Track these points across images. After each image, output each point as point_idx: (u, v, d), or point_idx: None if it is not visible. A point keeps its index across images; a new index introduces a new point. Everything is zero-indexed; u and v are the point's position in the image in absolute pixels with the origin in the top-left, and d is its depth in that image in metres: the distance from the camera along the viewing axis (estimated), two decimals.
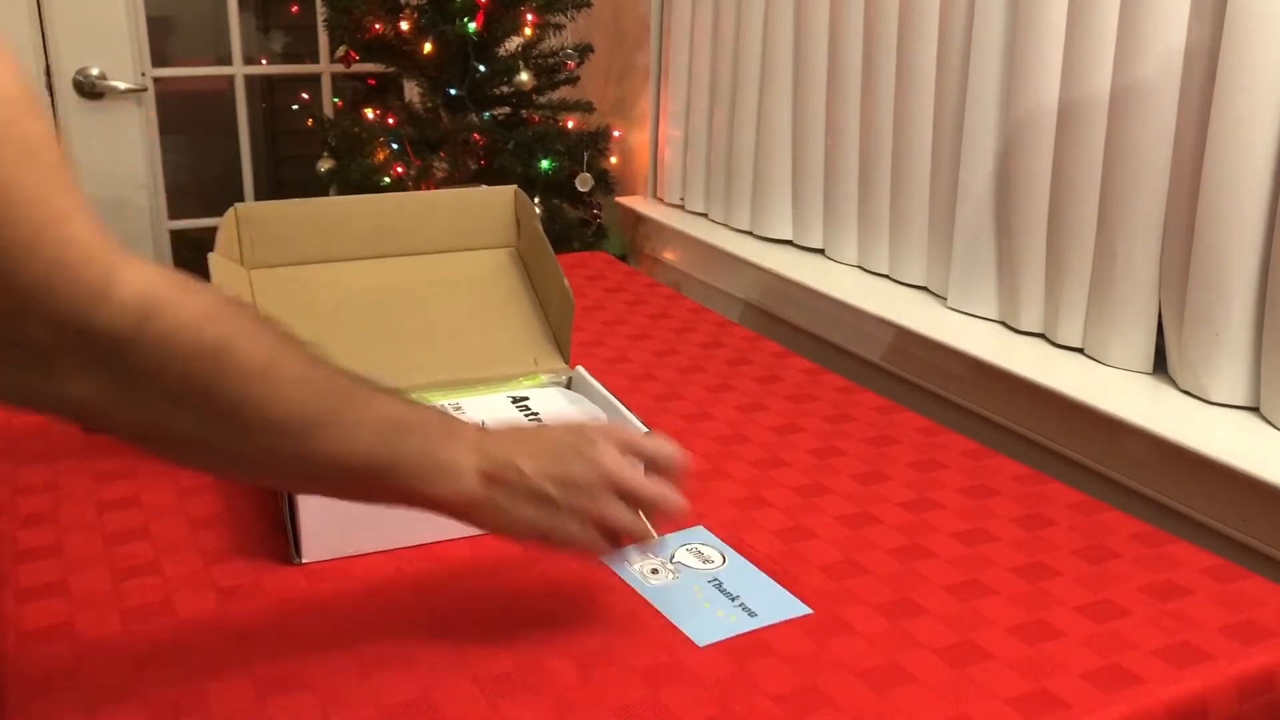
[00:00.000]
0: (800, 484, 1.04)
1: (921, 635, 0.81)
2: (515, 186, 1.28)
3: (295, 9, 2.87)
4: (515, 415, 1.05)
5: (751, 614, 0.83)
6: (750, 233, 2.16)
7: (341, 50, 2.40)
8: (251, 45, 2.79)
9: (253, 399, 0.64)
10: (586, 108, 2.43)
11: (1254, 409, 1.30)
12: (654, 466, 0.79)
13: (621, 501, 0.76)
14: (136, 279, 0.59)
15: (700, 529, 0.96)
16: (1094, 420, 1.35)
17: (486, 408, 1.08)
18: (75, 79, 2.37)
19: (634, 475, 0.77)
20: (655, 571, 0.89)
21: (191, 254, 2.70)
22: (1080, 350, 1.51)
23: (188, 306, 0.61)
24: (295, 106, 2.88)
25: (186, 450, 0.66)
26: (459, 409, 1.05)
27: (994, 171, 1.60)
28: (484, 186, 1.30)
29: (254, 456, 0.67)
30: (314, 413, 0.67)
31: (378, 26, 2.28)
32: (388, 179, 2.23)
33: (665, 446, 0.80)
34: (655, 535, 0.79)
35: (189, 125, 2.79)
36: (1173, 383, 1.38)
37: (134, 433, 0.64)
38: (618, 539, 0.77)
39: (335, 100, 2.75)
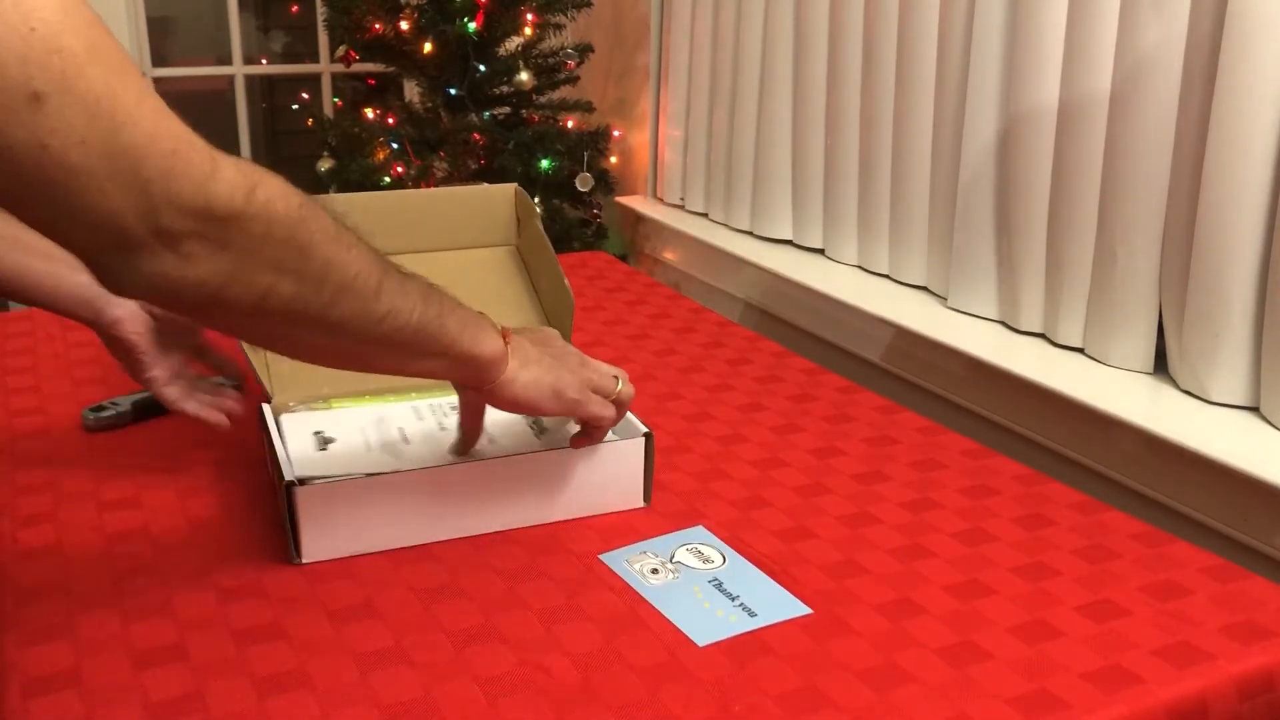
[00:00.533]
0: (800, 484, 1.04)
1: (921, 635, 0.81)
2: (516, 185, 1.28)
3: (295, 9, 2.87)
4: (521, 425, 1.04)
5: (751, 614, 0.83)
6: (750, 233, 2.16)
7: (341, 50, 2.41)
8: (251, 45, 2.80)
9: (335, 260, 0.71)
10: (586, 108, 2.43)
11: (1254, 409, 1.30)
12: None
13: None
14: (231, 159, 0.65)
15: (700, 529, 0.96)
16: (1094, 420, 1.35)
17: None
18: None
19: (607, 378, 0.93)
20: (655, 571, 0.89)
21: None
22: (1080, 350, 1.51)
23: (272, 177, 0.67)
24: (295, 106, 2.89)
25: (290, 321, 0.71)
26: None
27: (994, 171, 1.60)
28: (485, 184, 1.29)
29: (343, 317, 0.73)
30: (376, 271, 0.74)
31: (378, 26, 2.28)
32: (388, 179, 2.23)
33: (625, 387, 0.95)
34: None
35: (189, 125, 2.79)
36: (1173, 383, 1.38)
37: (246, 310, 0.68)
38: (606, 393, 0.92)
39: (335, 100, 2.75)
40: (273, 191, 0.66)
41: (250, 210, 0.65)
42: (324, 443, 0.98)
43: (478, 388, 0.86)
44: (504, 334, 0.86)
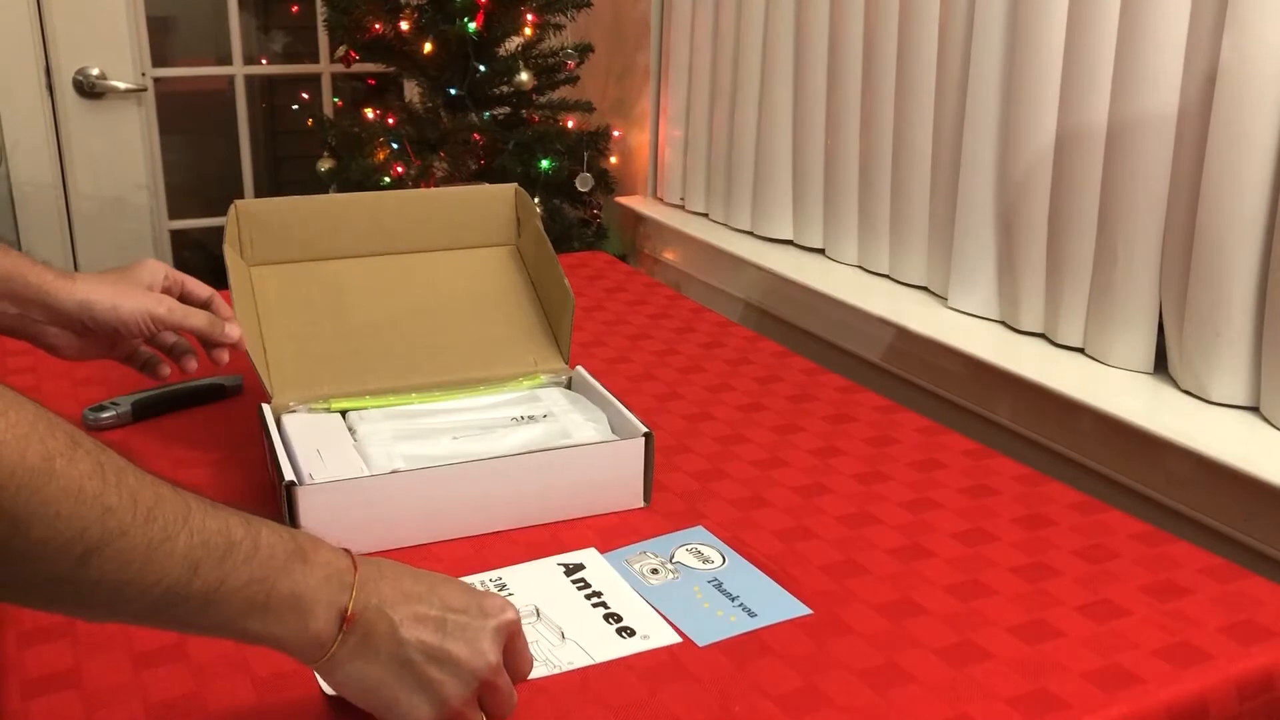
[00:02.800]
0: (800, 484, 1.04)
1: (921, 635, 0.81)
2: (516, 185, 1.28)
3: (295, 9, 2.87)
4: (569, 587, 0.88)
5: (751, 614, 0.83)
6: (750, 233, 2.16)
7: (341, 50, 2.40)
8: (251, 45, 2.79)
9: (6, 513, 0.53)
10: (586, 108, 2.43)
11: (1254, 409, 1.30)
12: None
13: (477, 699, 0.68)
14: None
15: (700, 529, 0.96)
16: (1094, 420, 1.35)
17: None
18: (75, 79, 2.37)
19: (505, 676, 0.69)
20: (655, 571, 0.89)
21: (191, 254, 2.70)
22: (1080, 350, 1.51)
23: (15, 428, 0.53)
24: (295, 106, 2.88)
25: None
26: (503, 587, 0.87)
27: (994, 171, 1.60)
28: (485, 185, 1.29)
29: (14, 578, 0.56)
30: (88, 536, 0.55)
31: (378, 26, 2.28)
32: (388, 179, 2.23)
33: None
34: None
35: (189, 125, 2.80)
36: (1173, 383, 1.38)
37: None
38: None
39: (335, 100, 2.75)
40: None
41: None
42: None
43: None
44: (347, 617, 0.64)
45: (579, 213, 2.46)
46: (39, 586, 0.56)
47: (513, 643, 0.69)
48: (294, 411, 1.05)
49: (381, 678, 0.65)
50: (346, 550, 0.67)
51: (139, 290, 0.99)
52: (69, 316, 0.96)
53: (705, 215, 2.31)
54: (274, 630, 0.62)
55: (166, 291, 1.01)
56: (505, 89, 2.35)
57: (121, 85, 2.41)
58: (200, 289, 1.05)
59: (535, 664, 0.74)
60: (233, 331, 1.02)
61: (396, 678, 0.66)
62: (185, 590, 0.59)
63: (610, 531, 0.95)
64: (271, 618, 0.62)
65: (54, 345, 0.99)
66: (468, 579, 0.87)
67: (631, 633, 0.81)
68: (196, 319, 1.00)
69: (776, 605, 0.84)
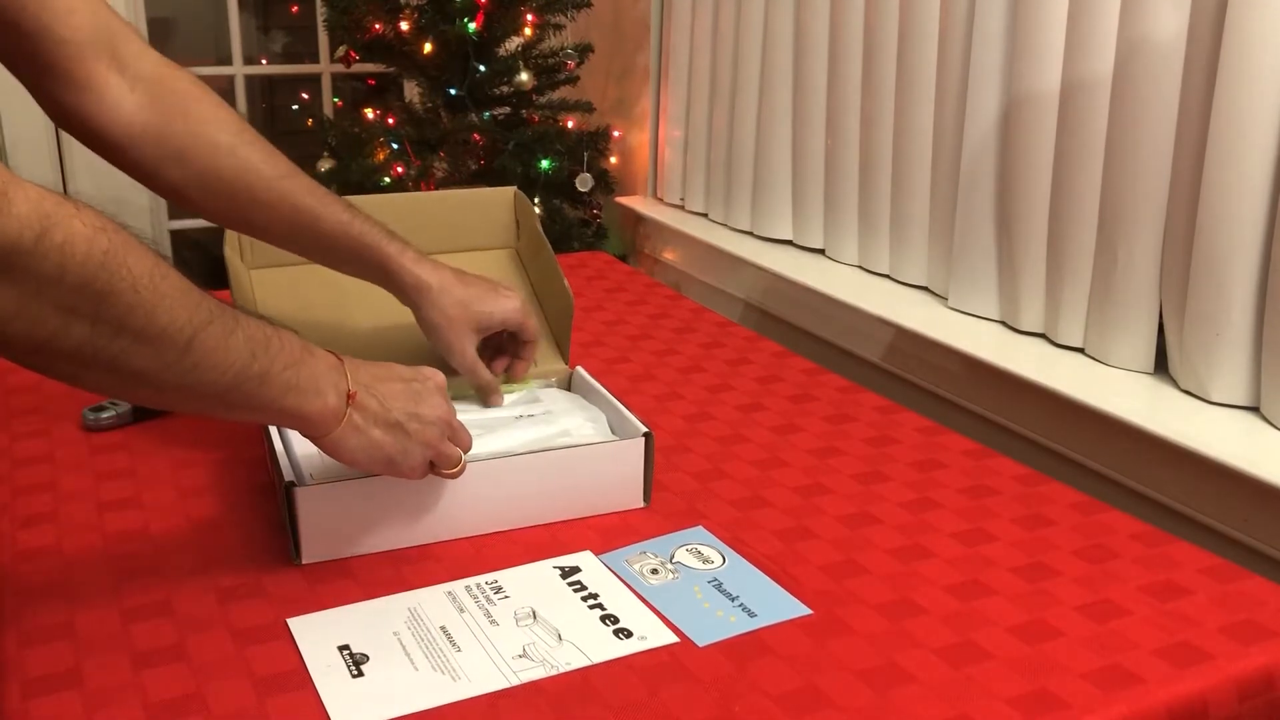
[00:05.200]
0: (800, 484, 1.04)
1: (921, 635, 0.81)
2: (515, 188, 1.28)
3: (295, 9, 2.87)
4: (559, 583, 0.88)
5: (751, 614, 0.83)
6: (750, 233, 2.16)
7: (341, 50, 2.41)
8: (251, 45, 2.79)
9: (140, 306, 0.67)
10: (586, 108, 2.43)
11: (1254, 409, 1.30)
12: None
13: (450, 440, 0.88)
14: (31, 195, 0.63)
15: (700, 529, 0.96)
16: (1094, 420, 1.35)
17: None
18: None
19: (457, 419, 0.90)
20: (655, 571, 0.89)
21: (191, 254, 2.70)
22: (1081, 350, 1.51)
23: (80, 219, 0.65)
24: (295, 107, 2.88)
25: (78, 363, 0.68)
26: (499, 591, 0.86)
27: (994, 171, 1.60)
28: (484, 187, 1.29)
29: (139, 366, 0.69)
30: (193, 323, 0.70)
31: (378, 26, 2.28)
32: (388, 179, 2.23)
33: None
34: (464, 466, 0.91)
35: None
36: (1173, 383, 1.38)
37: (28, 347, 0.66)
38: (441, 468, 0.89)
39: (335, 100, 2.75)
40: (73, 233, 0.64)
41: (41, 249, 0.62)
42: None
43: (310, 439, 0.83)
44: (349, 396, 0.82)
45: (579, 213, 2.46)
46: (156, 373, 0.70)
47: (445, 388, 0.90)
48: None
49: (382, 439, 0.83)
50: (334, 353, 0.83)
51: (468, 331, 1.06)
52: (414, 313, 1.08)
53: (705, 215, 2.31)
54: (304, 406, 0.79)
55: (503, 325, 1.08)
56: (505, 89, 2.35)
57: None
58: (530, 334, 1.11)
59: (534, 665, 0.77)
60: (494, 401, 1.09)
61: (393, 437, 0.84)
62: (248, 371, 0.74)
63: (610, 532, 0.95)
64: (302, 396, 0.78)
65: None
66: (463, 581, 0.87)
67: (628, 634, 0.81)
68: (479, 377, 1.08)
69: (776, 605, 0.84)
